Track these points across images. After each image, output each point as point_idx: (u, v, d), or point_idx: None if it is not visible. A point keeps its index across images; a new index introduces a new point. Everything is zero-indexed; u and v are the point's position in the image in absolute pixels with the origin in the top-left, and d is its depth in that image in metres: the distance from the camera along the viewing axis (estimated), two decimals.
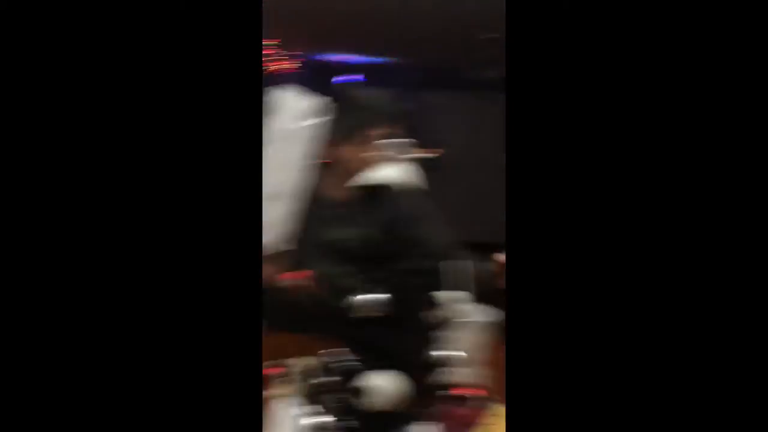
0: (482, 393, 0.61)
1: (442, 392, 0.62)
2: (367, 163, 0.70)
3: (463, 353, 0.63)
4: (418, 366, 0.62)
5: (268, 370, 0.61)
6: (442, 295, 0.64)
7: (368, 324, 0.60)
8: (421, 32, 5.09)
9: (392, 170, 0.64)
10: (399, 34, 5.19)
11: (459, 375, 0.62)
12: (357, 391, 0.60)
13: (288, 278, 0.64)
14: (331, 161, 1.24)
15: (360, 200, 0.67)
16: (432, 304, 0.64)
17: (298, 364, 0.62)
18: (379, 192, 0.64)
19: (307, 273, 0.65)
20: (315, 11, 4.66)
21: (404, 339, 0.61)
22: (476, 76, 4.95)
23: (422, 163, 0.66)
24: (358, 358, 0.62)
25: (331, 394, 0.61)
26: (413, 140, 0.88)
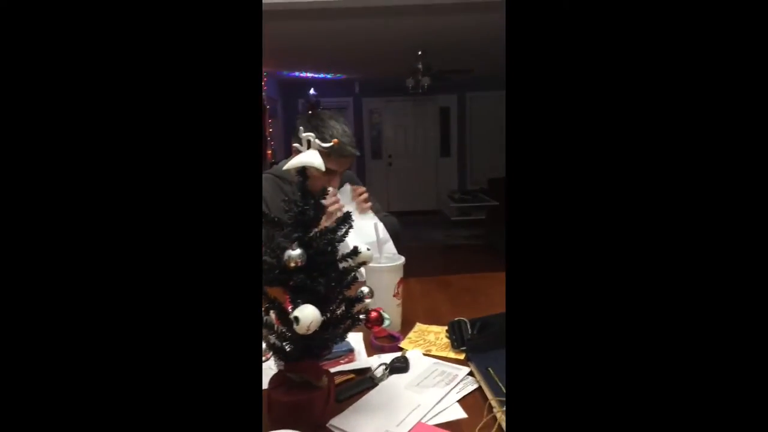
0: (379, 310, 0.81)
1: (352, 316, 0.80)
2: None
3: (368, 288, 0.82)
4: (332, 300, 0.80)
5: None
6: (352, 246, 0.82)
7: (295, 272, 0.77)
8: (362, 53, 6.46)
9: (309, 156, 0.81)
10: (344, 56, 6.59)
11: (366, 305, 0.82)
12: (288, 321, 0.77)
13: None
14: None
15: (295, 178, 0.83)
16: (344, 254, 0.82)
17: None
18: (301, 172, 0.81)
19: None
20: (279, 38, 5.48)
21: (321, 281, 0.78)
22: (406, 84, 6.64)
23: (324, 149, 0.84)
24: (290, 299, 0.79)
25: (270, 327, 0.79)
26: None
